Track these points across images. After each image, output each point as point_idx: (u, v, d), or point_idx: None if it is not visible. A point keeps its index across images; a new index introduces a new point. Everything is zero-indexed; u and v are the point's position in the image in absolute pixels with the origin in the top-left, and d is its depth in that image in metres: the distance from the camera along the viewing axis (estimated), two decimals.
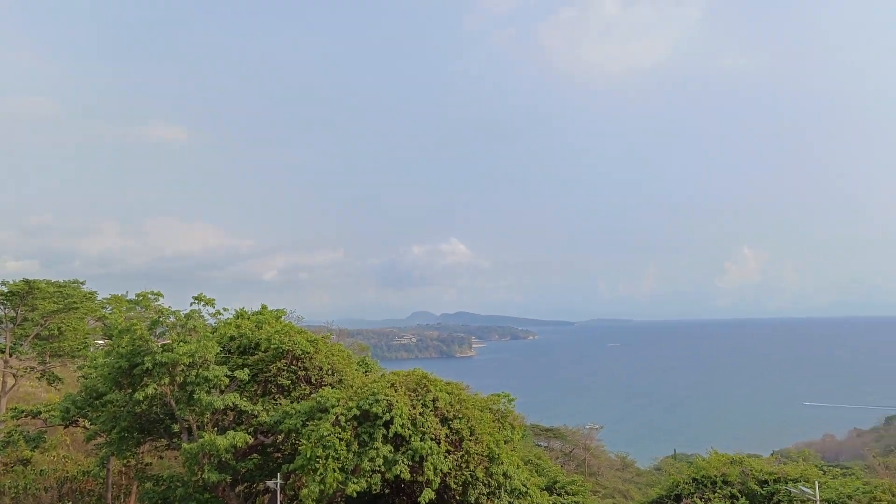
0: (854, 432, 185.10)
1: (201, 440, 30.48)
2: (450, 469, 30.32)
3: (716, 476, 43.75)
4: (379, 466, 29.04)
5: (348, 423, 29.47)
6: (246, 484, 36.31)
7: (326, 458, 28.43)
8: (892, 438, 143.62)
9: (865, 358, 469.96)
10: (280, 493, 32.07)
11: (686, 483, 44.38)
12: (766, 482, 43.20)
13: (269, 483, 31.92)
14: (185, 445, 31.33)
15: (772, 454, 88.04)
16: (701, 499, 41.57)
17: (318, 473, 28.19)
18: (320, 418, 30.21)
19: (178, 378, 32.53)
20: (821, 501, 32.25)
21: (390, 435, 29.46)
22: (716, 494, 42.28)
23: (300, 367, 35.76)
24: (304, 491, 28.45)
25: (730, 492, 42.44)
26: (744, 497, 41.24)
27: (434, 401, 31.56)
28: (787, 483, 40.99)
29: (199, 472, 31.24)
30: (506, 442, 33.93)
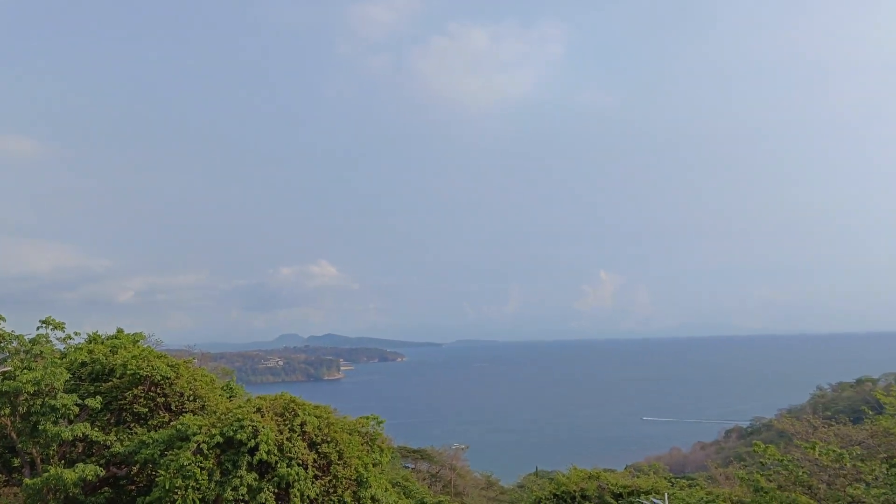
0: (698, 445, 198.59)
1: (46, 475, 28.32)
2: (317, 495, 29.89)
3: (575, 491, 45.63)
4: (242, 495, 28.15)
5: (211, 451, 28.42)
6: None
7: (186, 489, 27.25)
8: (732, 450, 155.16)
9: (707, 375, 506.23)
10: None
11: (547, 499, 45.99)
12: (620, 495, 45.56)
13: None
14: (26, 481, 28.98)
15: (625, 468, 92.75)
16: None
17: None
18: (180, 447, 28.93)
19: (20, 408, 30.12)
20: None
21: (255, 462, 28.70)
22: None
23: (159, 394, 34.10)
24: None
25: None
26: None
27: (302, 425, 31.07)
28: (639, 495, 43.41)
29: None
30: (374, 465, 33.88)
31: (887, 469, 31.81)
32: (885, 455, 34.36)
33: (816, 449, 33.95)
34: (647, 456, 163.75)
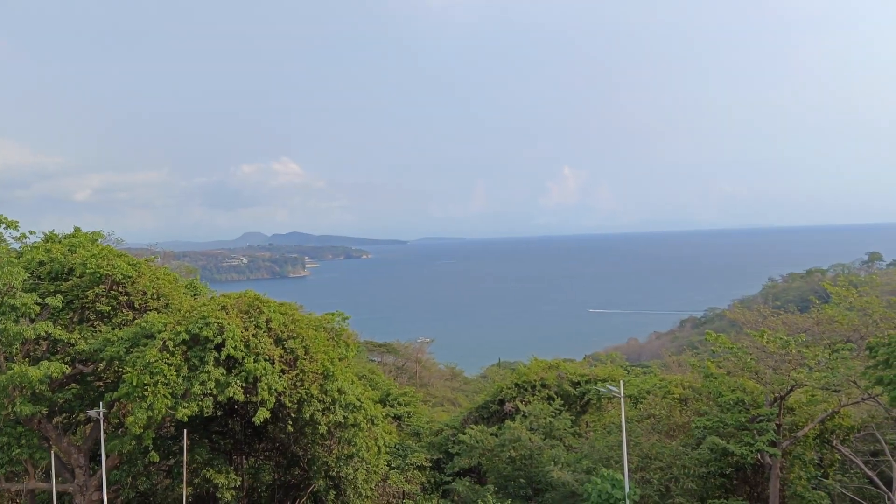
0: (654, 335, 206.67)
1: (10, 372, 28.39)
2: (284, 388, 30.60)
3: (535, 380, 47.43)
4: (211, 390, 28.70)
5: (177, 347, 28.67)
6: (65, 415, 34.54)
7: (154, 385, 27.64)
8: (686, 339, 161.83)
9: (667, 268, 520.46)
10: (104, 422, 30.83)
11: (509, 388, 47.79)
12: (578, 383, 47.54)
13: (91, 412, 30.52)
14: None
15: (584, 358, 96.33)
16: (522, 401, 45.00)
17: (146, 400, 27.40)
18: (146, 344, 29.12)
19: None
20: (624, 397, 36.09)
21: (222, 358, 29.09)
22: (535, 397, 45.95)
23: (121, 293, 33.91)
24: (131, 419, 27.61)
25: (547, 394, 46.31)
26: (559, 398, 45.16)
27: (267, 322, 31.39)
28: (596, 383, 45.34)
29: (10, 406, 29.22)
30: (340, 359, 34.68)
31: (829, 354, 33.53)
32: (829, 341, 36.14)
33: (764, 337, 35.50)
34: (605, 346, 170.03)
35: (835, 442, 36.57)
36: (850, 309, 37.48)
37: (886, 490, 33.26)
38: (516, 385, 47.81)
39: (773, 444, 33.15)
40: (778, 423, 34.02)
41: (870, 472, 34.72)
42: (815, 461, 36.69)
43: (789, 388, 33.93)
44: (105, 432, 31.52)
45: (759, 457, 33.77)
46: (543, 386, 47.29)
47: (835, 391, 34.20)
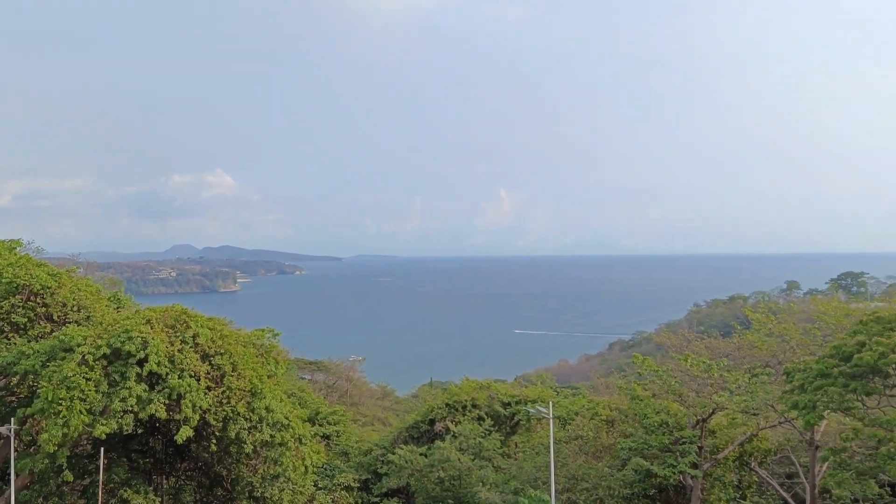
0: (584, 357, 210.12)
1: None
2: (210, 406, 29.79)
3: (466, 400, 47.53)
4: (132, 406, 27.72)
5: (97, 362, 27.63)
6: None
7: (71, 400, 26.51)
8: (614, 362, 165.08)
9: (597, 291, 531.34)
10: (15, 439, 29.33)
11: (440, 408, 47.73)
12: (509, 404, 47.85)
13: (1, 429, 29.00)
14: None
15: (515, 379, 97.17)
16: (452, 421, 44.99)
17: (62, 416, 26.24)
18: (64, 358, 27.95)
19: None
20: (553, 418, 36.55)
21: (145, 373, 28.16)
22: (465, 417, 46.01)
23: (39, 304, 32.53)
24: (44, 436, 26.40)
25: (478, 414, 46.43)
26: (489, 418, 45.35)
27: (194, 337, 30.58)
28: (526, 404, 45.70)
29: None
30: (269, 376, 34.00)
31: (749, 379, 34.78)
32: (749, 366, 37.53)
33: (689, 360, 36.61)
34: (536, 367, 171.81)
35: (753, 464, 37.84)
36: (769, 335, 39.06)
37: None
38: (447, 405, 47.80)
39: (694, 465, 34.07)
40: (700, 445, 35.02)
41: (784, 494, 36.03)
42: (734, 483, 37.87)
43: (711, 410, 35.02)
44: (16, 450, 29.97)
45: (681, 478, 34.63)
46: (474, 406, 47.42)
47: (754, 415, 35.45)
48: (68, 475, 29.98)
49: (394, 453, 41.50)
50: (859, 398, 25.59)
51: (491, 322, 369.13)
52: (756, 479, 38.87)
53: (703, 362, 36.03)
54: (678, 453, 34.33)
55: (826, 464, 31.75)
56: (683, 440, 34.73)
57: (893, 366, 23.64)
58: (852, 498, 31.78)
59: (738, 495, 38.02)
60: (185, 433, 28.67)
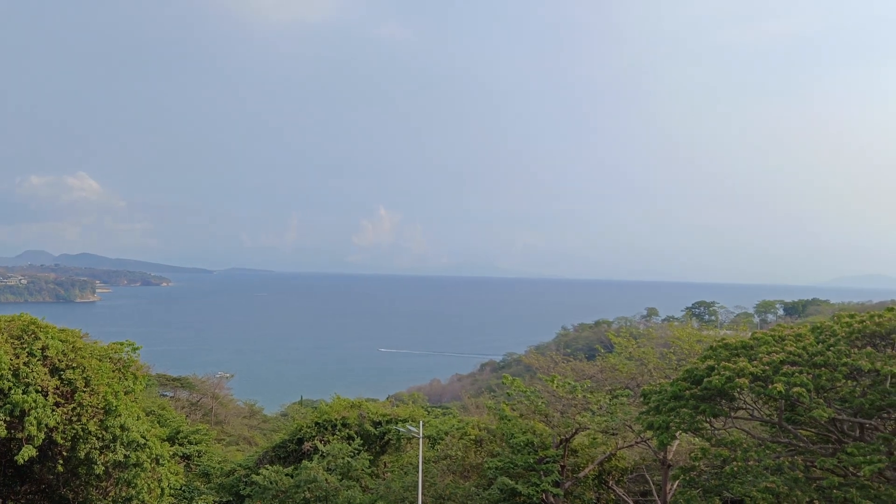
0: (455, 377, 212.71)
1: None
2: (57, 423, 27.70)
3: (336, 419, 46.79)
4: None
5: None
6: None
7: None
8: (485, 382, 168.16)
9: (472, 312, 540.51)
10: None
11: (309, 427, 46.72)
12: (379, 423, 47.52)
13: None
14: None
15: (387, 398, 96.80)
16: (321, 441, 44.13)
17: None
18: None
19: None
20: (423, 438, 36.68)
21: None
22: (335, 436, 45.26)
23: None
24: None
25: (348, 433, 45.80)
26: (359, 437, 44.84)
27: (43, 349, 28.40)
28: (397, 423, 45.59)
29: None
30: (126, 393, 32.06)
31: (610, 400, 36.37)
32: (610, 387, 39.26)
33: (555, 382, 37.85)
34: (409, 386, 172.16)
35: (610, 482, 39.47)
36: (629, 358, 41.08)
37: None
38: (317, 424, 46.87)
39: (556, 484, 35.14)
40: (562, 464, 36.18)
41: None
42: (593, 501, 39.33)
43: (574, 430, 36.30)
44: None
45: (544, 496, 35.57)
46: (344, 425, 46.75)
47: (613, 434, 37.03)
48: None
49: (258, 474, 40.15)
50: (708, 419, 27.28)
51: (365, 340, 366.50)
52: (613, 497, 40.50)
53: (569, 383, 37.36)
54: (542, 472, 35.30)
55: (677, 482, 33.54)
56: (547, 459, 35.77)
57: (738, 389, 25.37)
58: None
59: None
60: (27, 453, 26.46)
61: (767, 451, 25.46)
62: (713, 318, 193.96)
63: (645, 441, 35.60)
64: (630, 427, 35.10)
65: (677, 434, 29.16)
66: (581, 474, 37.02)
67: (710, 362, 26.82)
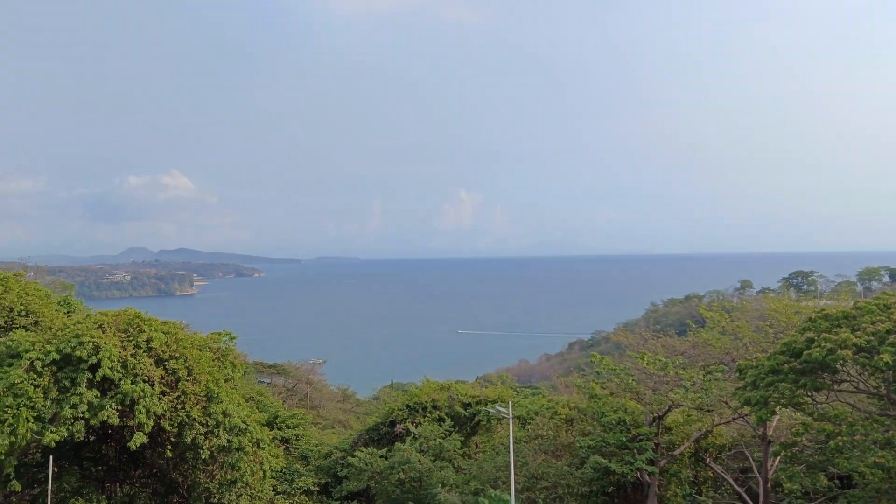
0: (543, 357, 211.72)
1: None
2: (164, 411, 29.25)
3: (427, 402, 47.43)
4: (83, 413, 27.06)
5: (46, 368, 26.88)
6: None
7: (17, 408, 25.75)
8: (573, 361, 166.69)
9: (556, 292, 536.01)
10: None
11: (400, 410, 47.56)
12: (469, 404, 47.88)
13: None
14: None
15: (476, 379, 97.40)
16: (413, 423, 44.87)
17: (8, 425, 25.47)
18: (11, 364, 27.13)
19: None
20: (513, 418, 36.72)
21: (97, 379, 27.51)
22: (426, 418, 45.91)
23: None
24: None
25: (438, 415, 46.38)
26: (450, 419, 45.34)
27: (148, 341, 29.99)
28: (486, 404, 45.80)
29: None
30: (226, 380, 33.51)
31: (703, 376, 35.40)
32: (703, 363, 38.20)
33: (645, 359, 37.12)
34: (497, 368, 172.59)
35: (708, 460, 38.52)
36: (723, 333, 39.81)
37: None
38: (407, 406, 47.65)
39: (651, 462, 34.53)
40: (656, 442, 35.52)
41: (739, 489, 36.74)
42: (690, 478, 38.50)
43: (667, 408, 35.54)
44: None
45: (638, 475, 35.06)
46: (435, 407, 47.35)
47: (708, 411, 36.09)
48: (16, 485, 29.09)
49: (354, 456, 41.21)
50: (809, 393, 26.21)
51: (449, 324, 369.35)
52: (711, 475, 39.57)
53: (660, 360, 36.56)
54: (635, 450, 34.78)
55: (778, 458, 32.44)
56: (640, 437, 35.19)
57: (841, 362, 24.25)
58: (802, 491, 32.55)
59: (693, 491, 38.64)
60: (138, 439, 28.09)
61: (875, 425, 24.30)
62: (812, 288, 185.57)
63: (742, 417, 34.53)
64: (726, 403, 34.12)
65: (777, 409, 28.17)
66: (676, 452, 36.27)
67: (810, 334, 25.75)
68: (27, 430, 25.77)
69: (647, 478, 35.29)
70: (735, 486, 36.95)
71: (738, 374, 30.53)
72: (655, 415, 36.09)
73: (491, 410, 41.12)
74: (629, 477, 34.49)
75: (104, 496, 34.31)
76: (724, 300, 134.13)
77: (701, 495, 38.86)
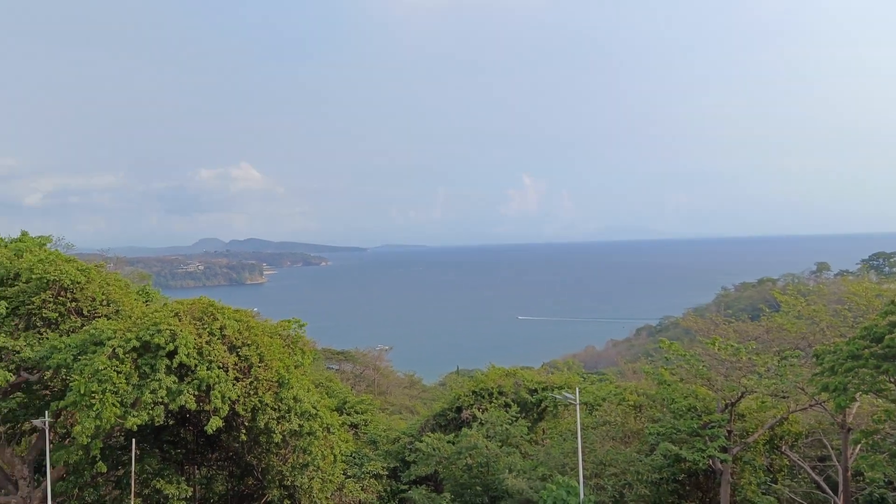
0: (610, 342, 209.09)
1: None
2: (238, 396, 30.14)
3: (493, 388, 47.55)
4: (162, 398, 28.13)
5: (127, 355, 28.02)
6: (9, 424, 33.43)
7: (103, 393, 26.95)
8: (641, 347, 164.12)
9: (624, 277, 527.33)
10: (49, 431, 29.94)
11: (466, 396, 47.81)
12: (535, 391, 47.79)
13: (36, 422, 29.60)
14: None
15: (542, 365, 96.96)
16: (479, 409, 45.05)
17: (94, 409, 26.69)
18: (94, 352, 28.39)
19: None
20: (580, 404, 36.41)
21: (174, 365, 28.53)
22: (492, 404, 46.04)
23: (69, 299, 33.03)
24: (78, 428, 26.87)
25: (504, 401, 46.44)
26: (516, 405, 45.33)
27: (221, 329, 30.91)
28: (552, 390, 45.63)
29: None
30: (296, 367, 34.30)
31: (778, 361, 34.29)
32: (778, 349, 36.96)
33: (716, 344, 36.20)
34: (563, 354, 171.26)
35: (783, 447, 37.40)
36: (798, 317, 38.43)
37: (833, 494, 34.11)
38: (474, 392, 47.86)
39: (724, 449, 33.75)
40: (729, 429, 34.67)
41: (817, 477, 35.59)
42: (765, 466, 37.48)
43: (740, 394, 34.62)
44: (51, 442, 30.62)
45: (710, 462, 34.33)
46: (500, 393, 47.43)
47: (783, 398, 34.99)
48: (102, 466, 30.55)
49: (421, 441, 41.67)
50: (891, 380, 25.14)
51: (516, 310, 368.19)
52: (787, 463, 38.44)
53: (732, 346, 35.59)
54: (707, 437, 34.04)
55: (858, 446, 31.29)
56: (712, 424, 34.41)
57: None
58: (885, 480, 31.32)
59: (768, 478, 37.63)
60: (214, 423, 29.05)
61: None
62: (894, 270, 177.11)
63: (820, 404, 33.35)
64: (802, 389, 33.00)
65: (857, 396, 27.13)
66: (750, 439, 35.32)
67: (893, 318, 24.67)
68: (111, 415, 26.92)
69: (719, 465, 34.52)
70: (813, 474, 35.80)
71: (814, 360, 29.51)
72: (727, 401, 35.20)
73: (557, 396, 40.91)
74: (701, 464, 33.81)
75: (183, 478, 35.67)
76: (800, 283, 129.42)
77: (776, 483, 37.82)
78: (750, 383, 33.51)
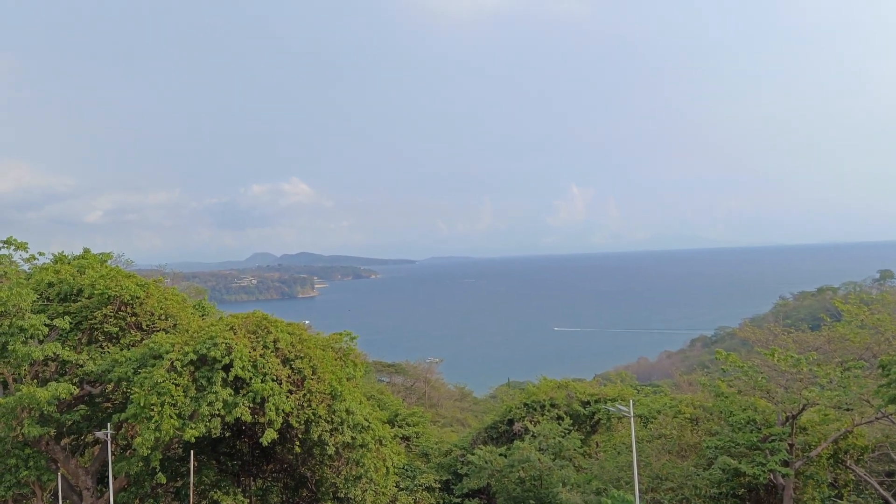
0: (664, 354, 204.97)
1: (18, 393, 28.41)
2: (292, 408, 30.50)
3: (544, 400, 47.10)
4: (218, 410, 28.64)
5: (185, 368, 28.65)
6: (73, 436, 34.50)
7: (162, 405, 27.59)
8: (696, 358, 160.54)
9: (676, 287, 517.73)
10: (111, 443, 30.76)
11: (518, 408, 47.47)
12: (588, 403, 47.17)
13: (99, 434, 30.47)
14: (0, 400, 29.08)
15: (594, 377, 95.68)
16: (531, 421, 44.66)
17: (154, 421, 27.34)
18: (154, 365, 29.11)
19: None
20: (634, 417, 35.79)
21: (230, 378, 29.04)
22: (544, 416, 45.60)
23: (129, 313, 33.98)
24: (138, 440, 27.54)
25: (556, 413, 45.96)
26: (568, 417, 44.80)
27: (275, 342, 31.36)
28: (605, 402, 44.96)
29: (18, 427, 29.20)
30: (348, 379, 34.54)
31: (841, 372, 33.16)
32: (840, 359, 35.76)
33: (775, 355, 35.20)
34: (615, 365, 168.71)
35: (849, 462, 36.06)
36: (861, 327, 37.13)
37: None
38: (525, 405, 47.50)
39: (785, 463, 32.74)
40: (790, 442, 33.63)
41: (885, 493, 34.19)
42: (829, 481, 36.18)
43: (801, 406, 33.58)
44: (113, 454, 31.46)
45: (771, 477, 33.32)
46: (552, 406, 46.96)
47: (847, 410, 33.82)
48: (162, 477, 31.24)
49: (473, 454, 41.50)
50: None
51: (567, 321, 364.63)
52: (853, 478, 37.03)
53: (792, 356, 34.56)
54: (767, 451, 33.06)
55: None
56: (773, 437, 33.41)
57: None
58: None
59: (833, 494, 36.31)
60: (269, 436, 29.43)
61: None
62: None
63: (887, 416, 32.08)
64: (868, 402, 31.83)
65: None
66: (813, 453, 34.17)
67: None
68: (170, 427, 27.53)
69: (780, 480, 33.47)
70: (881, 490, 34.38)
71: (880, 371, 28.48)
72: (788, 414, 34.16)
73: (611, 409, 40.28)
74: (761, 479, 32.81)
75: (240, 489, 36.24)
76: (862, 292, 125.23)
77: (842, 499, 36.46)
78: (812, 395, 32.48)
